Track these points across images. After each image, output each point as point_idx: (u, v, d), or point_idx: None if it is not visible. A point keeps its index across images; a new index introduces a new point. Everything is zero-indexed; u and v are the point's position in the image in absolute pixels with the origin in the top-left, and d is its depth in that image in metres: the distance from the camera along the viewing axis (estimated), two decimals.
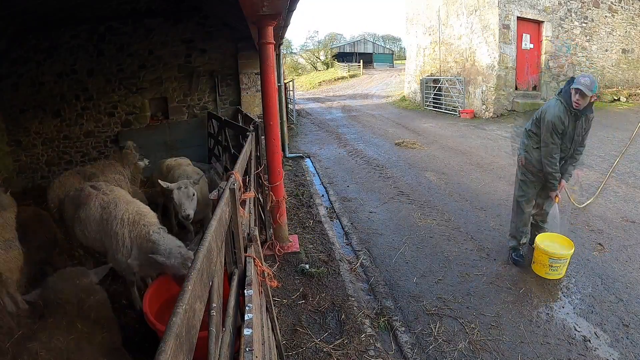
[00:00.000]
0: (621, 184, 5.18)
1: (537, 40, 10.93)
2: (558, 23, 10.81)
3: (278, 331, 2.22)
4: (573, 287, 3.13)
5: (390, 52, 44.55)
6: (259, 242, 1.95)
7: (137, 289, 3.22)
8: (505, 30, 10.30)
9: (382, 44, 46.69)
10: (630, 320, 2.70)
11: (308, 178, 6.53)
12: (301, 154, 8.15)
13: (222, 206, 1.39)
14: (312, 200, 5.41)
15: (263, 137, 3.98)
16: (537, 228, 3.65)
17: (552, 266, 3.16)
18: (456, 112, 11.75)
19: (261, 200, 4.01)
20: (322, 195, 5.73)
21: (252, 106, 7.95)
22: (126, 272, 2.99)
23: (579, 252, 3.47)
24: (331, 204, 5.35)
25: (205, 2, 7.02)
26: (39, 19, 6.68)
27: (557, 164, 3.20)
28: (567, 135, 3.12)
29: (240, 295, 1.53)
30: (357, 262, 3.77)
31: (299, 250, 3.89)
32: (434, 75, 13.38)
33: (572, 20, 11.01)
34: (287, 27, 5.31)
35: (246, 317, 1.32)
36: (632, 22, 12.05)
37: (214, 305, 1.15)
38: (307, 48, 45.21)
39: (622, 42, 12.01)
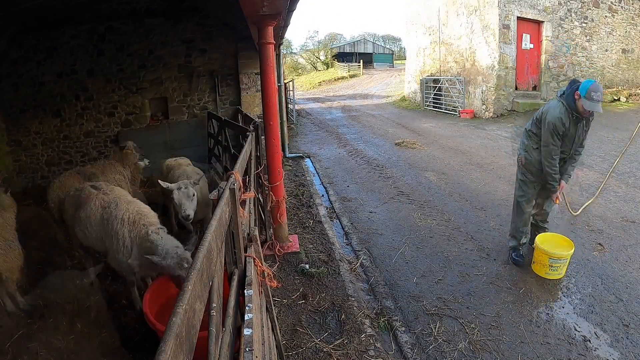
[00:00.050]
0: (621, 184, 5.17)
1: (537, 40, 10.93)
2: (558, 23, 10.81)
3: (278, 331, 2.22)
4: (573, 287, 3.13)
5: (390, 52, 44.54)
6: (259, 242, 1.95)
7: (137, 289, 3.22)
8: (505, 30, 10.31)
9: (382, 44, 46.68)
10: (630, 320, 2.70)
11: (308, 178, 6.53)
12: (301, 154, 8.15)
13: (222, 206, 1.39)
14: (312, 200, 5.41)
15: (263, 137, 3.98)
16: (537, 228, 3.65)
17: (552, 266, 3.16)
18: (456, 112, 11.75)
19: (261, 200, 4.01)
20: (322, 195, 5.73)
21: (252, 106, 7.95)
22: (126, 272, 2.99)
23: (579, 252, 3.47)
24: (331, 204, 5.35)
25: (205, 2, 7.02)
26: (39, 19, 6.68)
27: (557, 165, 3.19)
28: (567, 137, 3.11)
29: (240, 295, 1.53)
30: (357, 262, 3.77)
31: (299, 250, 3.89)
32: (434, 75, 13.38)
33: (572, 20, 11.01)
34: (287, 27, 5.31)
35: (246, 317, 1.32)
36: (632, 22, 12.05)
37: (214, 305, 1.15)
38: (307, 48, 45.22)
39: (622, 42, 12.01)
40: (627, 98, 10.39)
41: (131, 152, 5.19)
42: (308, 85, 31.46)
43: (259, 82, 5.06)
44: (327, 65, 38.14)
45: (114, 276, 3.66)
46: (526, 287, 3.15)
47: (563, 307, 2.91)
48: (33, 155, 7.63)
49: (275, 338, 2.17)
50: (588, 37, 11.34)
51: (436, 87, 13.03)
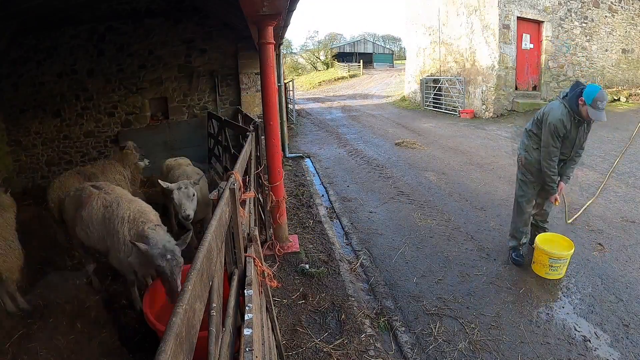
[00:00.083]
0: (621, 184, 5.18)
1: (537, 40, 10.93)
2: (558, 23, 10.81)
3: (278, 331, 2.22)
4: (573, 287, 3.13)
5: (390, 52, 44.55)
6: (259, 242, 1.95)
7: (137, 289, 3.22)
8: (505, 30, 10.31)
9: (382, 44, 46.69)
10: (630, 320, 2.70)
11: (308, 178, 6.53)
12: (301, 154, 8.15)
13: (222, 206, 1.39)
14: (312, 200, 5.41)
15: (263, 137, 3.98)
16: (537, 228, 3.65)
17: (552, 266, 3.16)
18: (456, 112, 11.75)
19: (261, 200, 4.01)
20: (322, 195, 5.73)
21: (252, 106, 7.95)
22: (127, 272, 2.99)
23: (579, 252, 3.47)
24: (331, 204, 5.35)
25: (205, 2, 7.02)
26: (39, 19, 6.68)
27: (556, 166, 3.18)
28: (568, 139, 3.10)
29: (240, 295, 1.53)
30: (357, 262, 3.77)
31: (299, 250, 3.89)
32: (434, 75, 13.38)
33: (572, 20, 11.01)
34: (287, 27, 5.31)
35: (246, 317, 1.32)
36: (632, 22, 12.05)
37: (214, 305, 1.15)
38: (307, 48, 45.22)
39: (622, 42, 12.01)
40: (627, 98, 10.40)
41: (131, 152, 5.19)
42: (308, 85, 31.46)
43: (259, 82, 5.07)
44: (327, 65, 38.14)
45: (114, 276, 3.66)
46: (526, 287, 3.15)
47: (563, 307, 2.91)
48: (33, 155, 7.64)
49: (275, 338, 2.17)
50: (588, 37, 11.34)
51: (436, 87, 13.03)
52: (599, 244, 3.69)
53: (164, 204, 4.66)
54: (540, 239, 3.30)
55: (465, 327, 2.75)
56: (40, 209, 5.86)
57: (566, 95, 3.07)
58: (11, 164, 7.51)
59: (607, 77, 11.79)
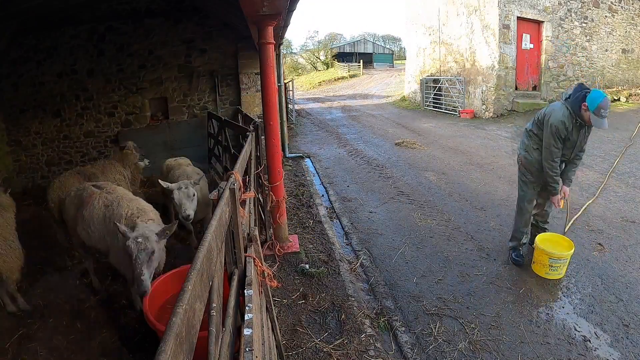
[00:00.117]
0: (621, 184, 5.18)
1: (537, 40, 10.94)
2: (558, 23, 10.81)
3: (278, 331, 2.22)
4: (573, 287, 3.13)
5: (390, 52, 44.55)
6: (259, 242, 1.95)
7: None
8: (505, 30, 10.30)
9: (382, 44, 46.70)
10: (630, 320, 2.70)
11: (308, 178, 6.53)
12: (301, 154, 8.15)
13: (222, 206, 1.39)
14: (312, 200, 5.41)
15: (263, 137, 3.98)
16: (537, 228, 3.65)
17: (552, 266, 3.16)
18: (456, 112, 11.75)
19: (261, 200, 4.01)
20: (322, 195, 5.73)
21: (252, 106, 7.95)
22: (127, 272, 2.99)
23: (579, 252, 3.47)
24: (331, 204, 5.35)
25: (205, 2, 7.02)
26: (39, 19, 6.68)
27: (558, 168, 3.18)
28: (569, 141, 3.10)
29: (240, 295, 1.53)
30: (357, 262, 3.77)
31: (299, 250, 3.89)
32: (434, 75, 13.38)
33: (572, 20, 11.01)
34: (287, 27, 5.31)
35: (246, 317, 1.33)
36: (632, 22, 12.05)
37: (214, 305, 1.15)
38: (307, 48, 45.23)
39: (622, 42, 12.01)
40: (627, 98, 10.40)
41: (131, 152, 5.19)
42: (308, 85, 31.46)
43: (259, 82, 5.07)
44: (327, 65, 38.14)
45: (114, 276, 3.66)
46: (526, 287, 3.15)
47: (563, 307, 2.91)
48: (33, 155, 7.64)
49: (275, 338, 2.17)
50: (588, 37, 11.34)
51: (436, 87, 13.03)
52: (599, 244, 3.69)
53: (164, 204, 4.66)
54: (540, 239, 3.30)
55: (465, 327, 2.75)
56: (40, 209, 5.86)
57: (569, 97, 3.04)
58: (11, 164, 7.51)
59: (607, 77, 11.79)
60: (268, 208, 3.89)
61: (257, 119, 5.13)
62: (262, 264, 1.79)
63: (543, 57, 10.96)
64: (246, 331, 1.25)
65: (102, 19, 7.24)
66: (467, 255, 3.72)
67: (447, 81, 12.44)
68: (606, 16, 11.49)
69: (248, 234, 1.91)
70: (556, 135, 3.04)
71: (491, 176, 5.89)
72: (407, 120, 11.81)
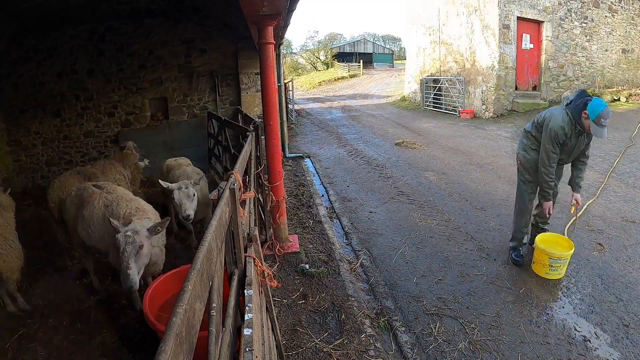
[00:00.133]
0: (621, 184, 5.18)
1: (537, 40, 10.94)
2: (558, 23, 10.81)
3: (278, 331, 2.22)
4: (573, 287, 3.13)
5: (390, 52, 44.55)
6: (259, 242, 1.95)
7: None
8: (505, 30, 10.31)
9: (382, 44, 46.70)
10: (630, 320, 2.70)
11: (308, 178, 6.53)
12: (301, 154, 8.15)
13: (222, 206, 1.39)
14: (312, 200, 5.41)
15: (263, 137, 3.98)
16: (537, 229, 3.65)
17: (552, 266, 3.16)
18: (456, 112, 11.75)
19: (261, 200, 4.01)
20: (322, 195, 5.73)
21: (252, 106, 7.95)
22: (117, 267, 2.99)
23: (579, 252, 3.47)
24: (331, 204, 5.35)
25: (205, 2, 7.02)
26: (39, 19, 6.68)
27: (554, 173, 3.18)
28: (567, 146, 3.12)
29: (240, 295, 1.53)
30: (357, 262, 3.77)
31: (299, 250, 3.89)
32: (434, 75, 13.38)
33: (572, 20, 11.01)
34: (287, 27, 5.31)
35: (246, 317, 1.32)
36: (632, 22, 12.05)
37: (214, 305, 1.15)
38: (307, 48, 45.22)
39: (622, 42, 12.01)
40: (627, 98, 10.39)
41: (131, 152, 5.19)
42: (308, 85, 31.46)
43: (259, 82, 5.07)
44: (327, 65, 38.13)
45: (114, 276, 3.66)
46: (526, 287, 3.15)
47: (563, 307, 2.91)
48: (33, 155, 7.64)
49: (275, 338, 2.17)
50: (588, 37, 11.34)
51: (436, 87, 13.03)
52: (599, 244, 3.69)
53: (164, 204, 4.66)
54: (540, 239, 3.30)
55: (465, 327, 2.75)
56: (40, 209, 5.86)
57: (570, 103, 3.03)
58: (11, 164, 7.51)
59: (607, 77, 11.79)
60: (268, 208, 3.89)
61: (257, 119, 5.13)
62: (262, 264, 1.79)
63: (543, 57, 10.96)
64: (246, 331, 1.25)
65: (102, 19, 7.24)
66: (467, 255, 3.72)
67: (447, 81, 12.44)
68: (606, 16, 11.49)
69: (248, 234, 1.91)
70: (555, 141, 3.05)
71: (491, 176, 5.89)
72: (407, 120, 11.81)
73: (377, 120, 12.14)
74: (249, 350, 1.17)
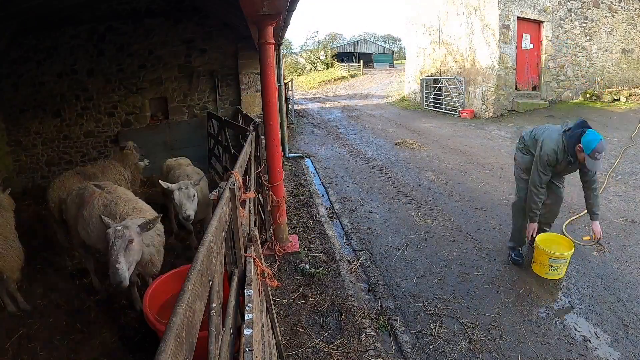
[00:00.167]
0: (621, 184, 5.18)
1: (537, 40, 10.93)
2: (558, 23, 10.81)
3: (278, 331, 2.22)
4: (573, 287, 3.13)
5: (390, 52, 44.55)
6: (259, 242, 1.95)
7: (137, 289, 3.22)
8: (505, 30, 10.30)
9: (382, 44, 46.70)
10: (630, 320, 2.70)
11: (308, 178, 6.53)
12: (301, 154, 8.15)
13: (222, 206, 1.39)
14: (312, 200, 5.41)
15: (263, 137, 3.98)
16: (538, 229, 3.65)
17: (552, 266, 3.16)
18: (456, 112, 11.75)
19: (261, 200, 4.01)
20: (322, 195, 5.73)
21: (252, 106, 7.95)
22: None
23: (579, 252, 3.47)
24: (331, 204, 5.35)
25: (205, 2, 7.02)
26: (39, 19, 6.68)
27: (542, 196, 3.19)
28: (556, 169, 3.16)
29: (240, 295, 1.53)
30: (357, 262, 3.77)
31: (299, 250, 3.89)
32: (434, 75, 13.38)
33: (572, 20, 11.01)
34: (287, 27, 5.31)
35: (246, 317, 1.33)
36: (632, 22, 12.05)
37: (214, 305, 1.15)
38: (307, 48, 45.23)
39: (622, 42, 12.01)
40: (627, 98, 10.39)
41: (131, 152, 5.20)
42: (308, 85, 31.46)
43: (259, 82, 5.07)
44: (327, 65, 38.13)
45: None
46: (526, 287, 3.15)
47: (563, 307, 2.91)
48: (33, 155, 7.64)
49: (275, 338, 2.17)
50: (588, 37, 11.34)
51: (436, 87, 13.03)
52: (599, 244, 3.69)
53: (164, 204, 4.66)
54: (540, 239, 3.30)
55: (465, 327, 2.75)
56: (40, 209, 5.87)
57: (569, 129, 3.02)
58: (11, 164, 7.51)
59: (607, 77, 11.78)
60: (268, 208, 3.89)
61: (257, 119, 5.13)
62: (262, 264, 1.79)
63: (543, 57, 10.96)
64: (246, 331, 1.25)
65: (102, 19, 7.24)
66: (467, 255, 3.72)
67: (447, 81, 12.44)
68: (606, 16, 11.49)
69: (248, 234, 1.91)
70: (546, 163, 3.08)
71: (491, 176, 5.89)
72: (407, 120, 11.81)
73: (377, 120, 12.14)
74: (249, 350, 1.17)
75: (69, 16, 6.96)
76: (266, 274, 1.83)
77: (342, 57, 39.36)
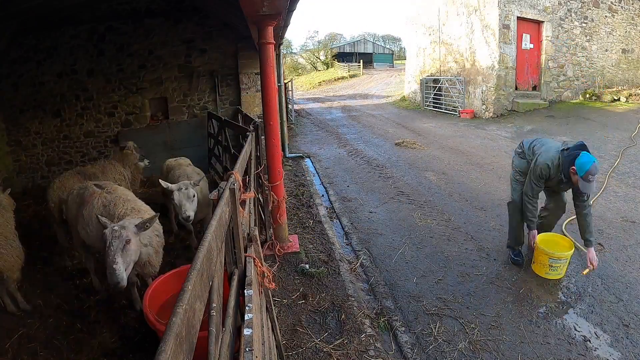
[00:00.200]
0: (621, 184, 5.18)
1: (537, 40, 10.93)
2: (558, 23, 10.81)
3: (278, 331, 2.22)
4: (573, 287, 3.13)
5: (390, 52, 44.55)
6: (259, 242, 1.95)
7: (137, 289, 3.22)
8: (505, 30, 10.30)
9: (382, 44, 46.69)
10: (630, 320, 2.70)
11: (308, 178, 6.53)
12: (301, 154, 8.15)
13: (222, 206, 1.39)
14: (312, 200, 5.41)
15: (263, 137, 3.98)
16: (539, 231, 3.65)
17: (552, 266, 3.16)
18: (456, 112, 11.75)
19: (261, 200, 4.01)
20: (322, 195, 5.73)
21: (252, 106, 7.95)
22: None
23: (579, 252, 3.47)
24: (331, 204, 5.35)
25: (205, 2, 7.02)
26: (39, 19, 6.68)
27: (535, 205, 3.23)
28: (548, 184, 3.19)
29: (240, 295, 1.53)
30: (357, 262, 3.77)
31: (299, 250, 3.89)
32: (434, 75, 13.38)
33: (572, 20, 11.01)
34: (287, 27, 5.31)
35: (246, 317, 1.33)
36: (632, 22, 12.05)
37: (214, 305, 1.15)
38: (307, 48, 45.22)
39: (622, 42, 12.01)
40: (627, 98, 10.39)
41: (131, 152, 5.19)
42: (308, 85, 31.45)
43: (259, 82, 5.07)
44: (327, 65, 38.13)
45: None
46: (526, 287, 3.15)
47: (563, 307, 2.91)
48: (33, 155, 7.64)
49: (275, 338, 2.17)
50: (588, 37, 11.34)
51: (436, 87, 13.03)
52: (599, 244, 3.69)
53: (164, 204, 4.66)
54: (540, 239, 3.30)
55: (465, 327, 2.75)
56: (40, 209, 5.87)
57: (567, 149, 3.03)
58: (11, 164, 7.51)
59: (607, 77, 11.78)
60: (269, 208, 3.89)
61: (257, 119, 5.13)
62: (262, 264, 1.79)
63: (543, 57, 10.96)
64: (246, 331, 1.25)
65: (102, 19, 7.24)
66: (467, 255, 3.72)
67: (447, 81, 12.44)
68: (606, 16, 11.49)
69: (248, 234, 1.91)
70: (539, 175, 3.12)
71: (491, 176, 5.89)
72: (407, 120, 11.81)
73: (377, 120, 12.14)
74: (249, 350, 1.17)
75: (69, 16, 6.95)
76: (265, 275, 1.83)
77: (342, 57, 39.35)
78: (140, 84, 7.63)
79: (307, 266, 3.58)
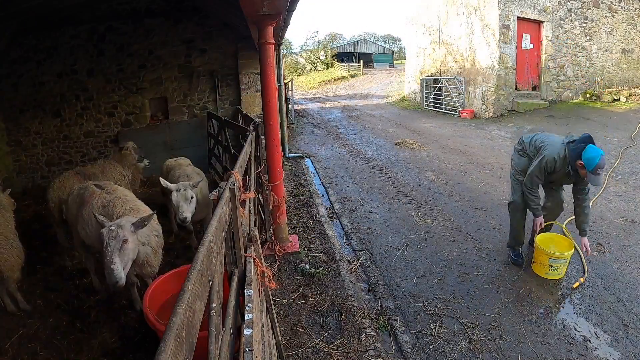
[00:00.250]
0: (621, 184, 5.18)
1: (537, 40, 10.93)
2: (558, 23, 10.81)
3: (278, 331, 2.22)
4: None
5: (390, 52, 44.55)
6: (259, 242, 1.95)
7: (137, 289, 3.22)
8: (505, 30, 10.30)
9: (382, 44, 46.69)
10: (630, 320, 2.70)
11: (308, 178, 6.53)
12: (301, 154, 8.15)
13: (222, 206, 1.39)
14: (312, 200, 5.41)
15: (263, 137, 3.98)
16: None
17: (552, 266, 3.16)
18: (456, 112, 11.75)
19: (261, 200, 4.01)
20: (322, 195, 5.73)
21: (252, 106, 7.95)
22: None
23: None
24: (331, 203, 5.35)
25: (205, 2, 7.02)
26: (39, 19, 6.68)
27: (536, 194, 3.23)
28: (551, 176, 3.17)
29: (240, 295, 1.53)
30: (357, 262, 3.77)
31: (299, 250, 3.89)
32: (434, 75, 13.38)
33: (572, 20, 11.01)
34: (287, 27, 5.31)
35: (246, 317, 1.33)
36: (632, 22, 12.05)
37: (214, 305, 1.15)
38: (307, 48, 45.22)
39: (622, 42, 12.01)
40: (627, 98, 10.39)
41: (129, 153, 5.19)
42: (308, 85, 31.45)
43: (259, 82, 5.07)
44: (327, 65, 38.12)
45: None
46: (526, 287, 3.15)
47: (563, 307, 2.91)
48: (33, 155, 7.64)
49: (275, 338, 2.17)
50: (588, 37, 11.34)
51: (436, 87, 13.03)
52: (599, 244, 3.69)
53: (164, 204, 4.66)
54: (540, 239, 3.30)
55: (465, 327, 2.75)
56: (40, 209, 5.87)
57: (573, 141, 3.02)
58: (11, 164, 7.51)
59: (607, 77, 11.78)
60: (269, 208, 3.89)
61: (257, 119, 5.13)
62: (262, 264, 1.79)
63: (543, 57, 10.96)
64: (246, 331, 1.25)
65: (102, 19, 7.24)
66: (467, 255, 3.72)
67: (447, 81, 12.44)
68: (606, 16, 11.49)
69: (248, 234, 1.91)
70: (544, 168, 3.09)
71: (491, 176, 5.89)
72: (407, 120, 11.81)
73: (377, 120, 12.14)
74: (249, 350, 1.17)
75: (69, 16, 6.96)
76: (265, 274, 1.83)
77: (342, 57, 39.35)
78: (140, 84, 7.63)
79: (307, 266, 3.58)
